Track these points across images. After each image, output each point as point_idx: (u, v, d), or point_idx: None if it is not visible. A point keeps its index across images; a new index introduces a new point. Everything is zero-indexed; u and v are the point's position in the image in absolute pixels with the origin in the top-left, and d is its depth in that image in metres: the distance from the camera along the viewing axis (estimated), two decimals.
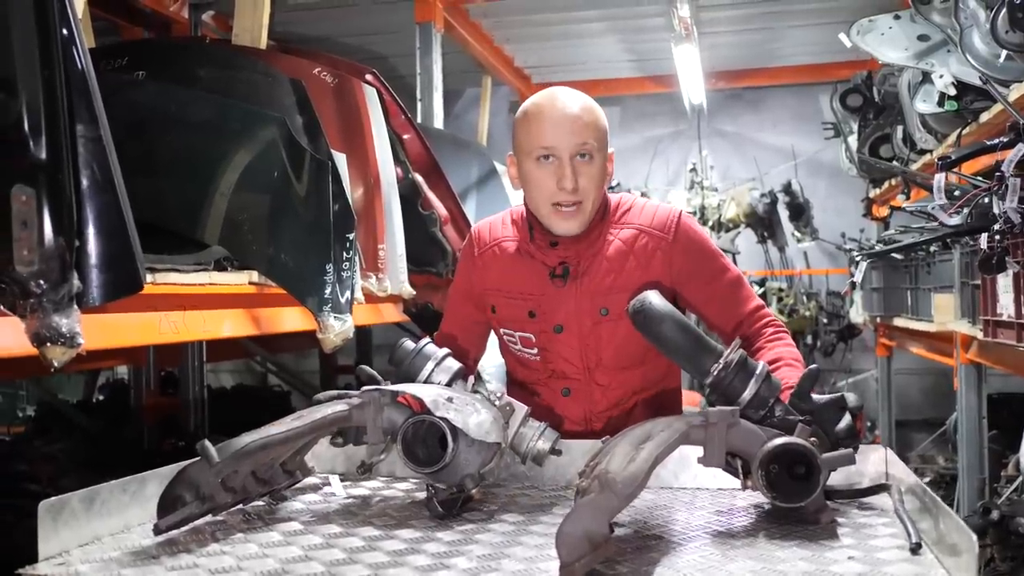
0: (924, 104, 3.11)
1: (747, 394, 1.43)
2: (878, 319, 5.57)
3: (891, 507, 1.38)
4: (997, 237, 2.04)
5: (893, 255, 4.39)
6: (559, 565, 1.09)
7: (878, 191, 5.49)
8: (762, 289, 6.69)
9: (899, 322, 4.94)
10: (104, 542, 1.31)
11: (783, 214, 6.66)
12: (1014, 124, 1.89)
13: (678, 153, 7.43)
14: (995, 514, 2.98)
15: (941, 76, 2.95)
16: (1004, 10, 2.19)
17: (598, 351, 1.81)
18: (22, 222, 1.28)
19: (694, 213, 6.68)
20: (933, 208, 2.13)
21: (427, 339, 1.67)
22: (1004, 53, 2.40)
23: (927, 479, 5.36)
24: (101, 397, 6.05)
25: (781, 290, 6.65)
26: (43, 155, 1.28)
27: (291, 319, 2.65)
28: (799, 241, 6.66)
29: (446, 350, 1.67)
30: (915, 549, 1.18)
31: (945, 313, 3.74)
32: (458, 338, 1.92)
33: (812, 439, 1.39)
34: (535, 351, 1.85)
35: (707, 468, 1.43)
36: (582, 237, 1.79)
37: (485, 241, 1.91)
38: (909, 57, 3.08)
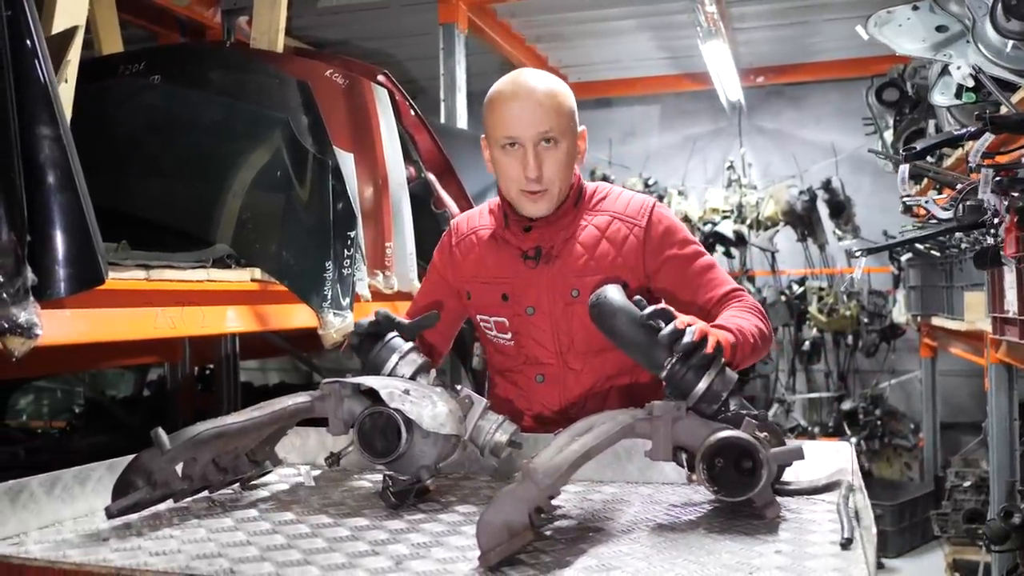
0: (942, 96, 3.01)
1: (700, 387, 1.43)
2: (919, 318, 5.42)
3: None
4: (993, 231, 1.98)
5: (932, 253, 4.29)
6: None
7: (918, 187, 5.34)
8: (802, 288, 6.56)
9: (936, 321, 4.81)
10: (64, 525, 1.37)
11: (823, 211, 6.52)
12: (980, 114, 1.83)
13: (718, 151, 7.32)
14: (1017, 518, 2.87)
15: (959, 67, 2.86)
16: None
17: (570, 333, 1.83)
18: None
19: (731, 211, 6.59)
20: (927, 203, 2.08)
21: (394, 332, 1.70)
22: (1011, 42, 2.32)
23: (968, 483, 5.20)
24: (148, 393, 6.24)
25: (821, 289, 6.49)
26: None
27: (298, 316, 2.71)
28: (840, 239, 6.50)
29: (412, 344, 1.69)
30: (845, 544, 1.16)
31: (976, 311, 3.63)
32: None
33: (764, 434, 1.38)
34: (509, 336, 1.88)
35: (679, 466, 1.45)
36: (555, 221, 1.82)
37: (463, 231, 1.96)
38: (927, 48, 2.97)
